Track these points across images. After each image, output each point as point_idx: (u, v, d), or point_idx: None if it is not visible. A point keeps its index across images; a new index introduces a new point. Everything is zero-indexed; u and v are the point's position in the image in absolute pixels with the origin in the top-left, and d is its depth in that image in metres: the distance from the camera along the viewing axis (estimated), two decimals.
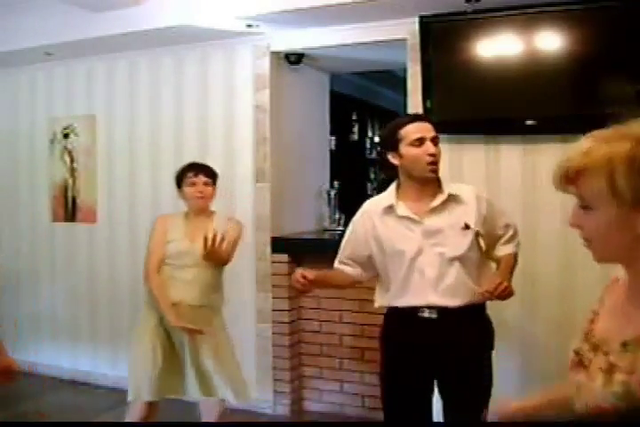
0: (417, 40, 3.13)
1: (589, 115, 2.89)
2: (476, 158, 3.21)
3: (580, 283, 2.98)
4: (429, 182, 2.22)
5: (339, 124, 4.97)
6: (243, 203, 3.71)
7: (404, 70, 3.38)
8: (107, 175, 4.17)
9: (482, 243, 2.25)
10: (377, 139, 6.42)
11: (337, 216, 4.14)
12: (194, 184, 2.91)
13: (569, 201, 1.11)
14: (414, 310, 2.19)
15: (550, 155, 3.05)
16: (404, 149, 2.20)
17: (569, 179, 1.06)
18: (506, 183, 3.15)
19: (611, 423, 1.01)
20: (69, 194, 4.30)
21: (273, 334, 3.70)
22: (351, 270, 2.38)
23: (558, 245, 3.04)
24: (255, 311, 3.74)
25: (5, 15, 3.83)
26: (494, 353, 2.33)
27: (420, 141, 2.17)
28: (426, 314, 2.18)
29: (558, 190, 1.10)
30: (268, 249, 3.69)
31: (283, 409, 3.69)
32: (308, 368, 3.76)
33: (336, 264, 2.41)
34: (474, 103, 3.10)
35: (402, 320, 2.26)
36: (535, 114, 2.97)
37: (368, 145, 6.26)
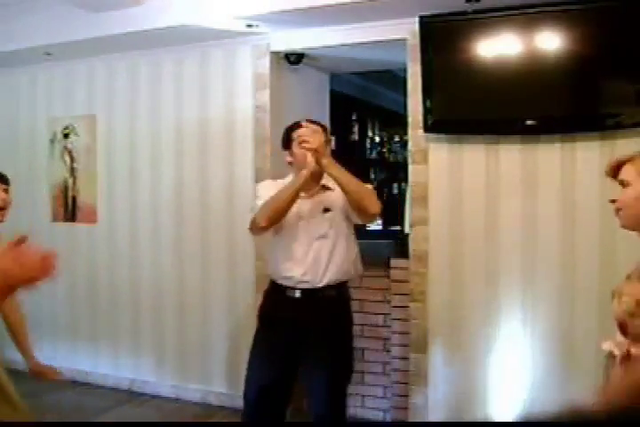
0: (417, 40, 3.13)
1: (589, 115, 2.91)
2: (475, 158, 3.20)
3: (580, 282, 2.98)
4: (313, 176, 2.50)
5: (339, 124, 4.97)
6: (243, 203, 3.71)
7: (404, 70, 3.37)
8: (107, 175, 4.17)
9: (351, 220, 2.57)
10: (377, 139, 6.44)
11: None
12: None
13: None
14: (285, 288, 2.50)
15: (550, 155, 3.06)
16: (295, 148, 2.53)
17: (619, 164, 1.69)
18: (506, 183, 3.15)
19: (611, 423, 1.02)
20: (69, 194, 4.30)
21: None
22: None
23: (558, 245, 3.04)
24: (255, 312, 3.73)
25: (5, 15, 3.83)
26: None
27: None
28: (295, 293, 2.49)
29: (607, 176, 1.74)
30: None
31: None
32: None
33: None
34: (474, 103, 3.10)
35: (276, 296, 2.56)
36: (535, 114, 2.97)
37: (368, 145, 6.27)
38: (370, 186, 2.63)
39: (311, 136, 2.41)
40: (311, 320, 2.48)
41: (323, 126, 2.60)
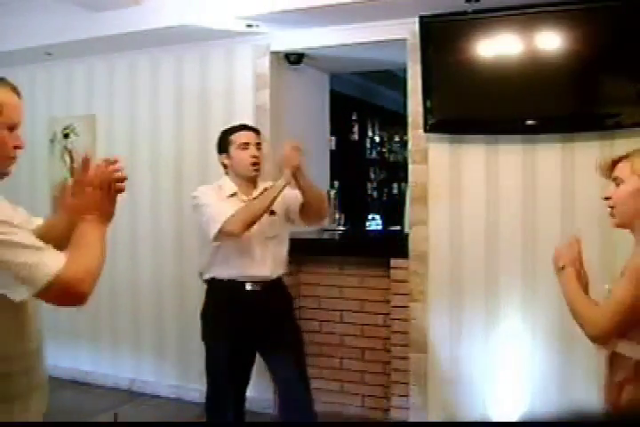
0: (417, 40, 3.13)
1: (589, 115, 2.91)
2: (475, 158, 3.20)
3: None
4: (251, 179, 2.71)
5: (339, 124, 4.98)
6: None
7: (404, 70, 3.37)
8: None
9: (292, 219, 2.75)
10: (377, 139, 6.44)
11: (337, 216, 4.14)
12: None
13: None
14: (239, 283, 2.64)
15: (550, 155, 3.06)
16: (233, 151, 2.68)
17: (613, 163, 1.74)
18: (506, 183, 3.15)
19: (611, 423, 1.03)
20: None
21: None
22: None
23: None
24: None
25: (5, 15, 3.83)
26: None
27: (245, 146, 2.66)
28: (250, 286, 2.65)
29: (602, 175, 1.79)
30: None
31: None
32: (308, 368, 3.75)
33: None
34: (474, 103, 3.10)
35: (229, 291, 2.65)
36: (535, 114, 2.97)
37: (368, 145, 6.27)
38: (323, 191, 2.87)
39: (292, 153, 2.56)
40: (269, 308, 2.67)
41: (258, 132, 2.80)
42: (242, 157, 2.66)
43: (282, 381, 2.78)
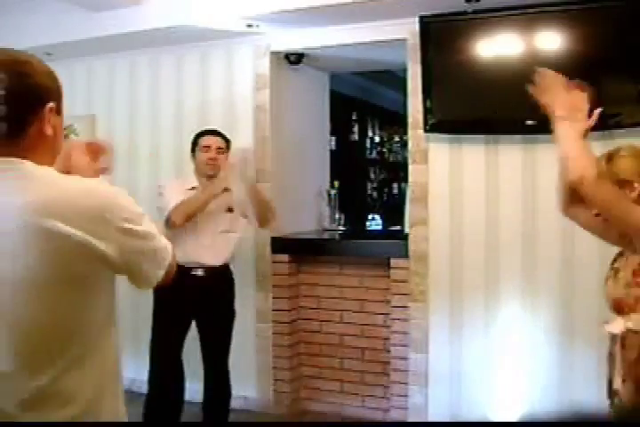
0: (417, 40, 3.13)
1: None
2: (475, 158, 3.20)
3: (580, 280, 2.98)
4: (209, 177, 3.07)
5: (339, 124, 4.97)
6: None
7: (404, 70, 3.37)
8: (106, 175, 4.16)
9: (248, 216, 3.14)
10: (377, 139, 6.44)
11: (337, 216, 4.14)
12: None
13: None
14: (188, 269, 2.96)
15: (550, 155, 3.04)
16: (197, 152, 3.11)
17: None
18: (506, 183, 3.15)
19: (611, 423, 1.03)
20: None
21: (273, 334, 3.70)
22: None
23: (558, 244, 3.04)
24: (255, 311, 3.74)
25: (5, 15, 3.83)
26: None
27: (206, 149, 3.06)
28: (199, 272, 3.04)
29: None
30: (268, 249, 3.69)
31: (283, 409, 3.69)
32: (308, 368, 3.76)
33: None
34: (474, 103, 3.10)
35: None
36: (535, 114, 2.95)
37: (368, 145, 6.27)
38: (270, 202, 3.23)
39: (234, 161, 3.03)
40: (212, 292, 3.08)
41: (226, 139, 3.14)
42: (201, 158, 3.08)
43: (206, 361, 3.18)
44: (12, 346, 1.08)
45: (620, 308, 1.70)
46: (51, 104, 1.17)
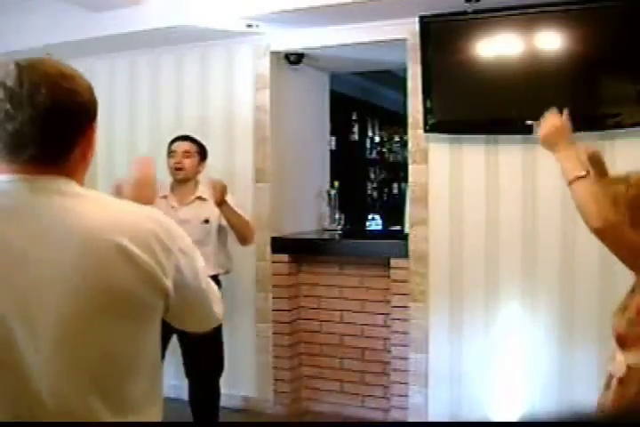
0: (417, 40, 3.13)
1: (589, 115, 2.90)
2: (476, 158, 3.20)
3: (581, 280, 2.98)
4: (186, 183, 3.13)
5: (339, 124, 4.97)
6: (243, 203, 3.70)
7: (404, 70, 3.37)
8: (107, 175, 4.16)
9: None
10: (377, 139, 6.44)
11: (337, 216, 4.14)
12: None
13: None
14: None
15: (550, 155, 3.04)
16: (168, 158, 3.13)
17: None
18: (506, 183, 3.15)
19: (611, 424, 1.03)
20: None
21: (273, 333, 3.70)
22: None
23: (559, 244, 3.04)
24: (255, 311, 3.74)
25: (5, 15, 3.83)
26: None
27: (173, 154, 3.11)
28: None
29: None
30: (268, 249, 3.68)
31: (283, 409, 3.69)
32: (308, 368, 3.76)
33: None
34: (474, 103, 3.10)
35: None
36: (535, 114, 2.96)
37: (368, 145, 6.27)
38: (248, 219, 3.16)
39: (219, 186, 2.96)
40: None
41: (197, 143, 3.18)
42: (169, 164, 3.12)
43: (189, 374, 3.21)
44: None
45: (622, 342, 1.70)
46: (95, 123, 1.09)
